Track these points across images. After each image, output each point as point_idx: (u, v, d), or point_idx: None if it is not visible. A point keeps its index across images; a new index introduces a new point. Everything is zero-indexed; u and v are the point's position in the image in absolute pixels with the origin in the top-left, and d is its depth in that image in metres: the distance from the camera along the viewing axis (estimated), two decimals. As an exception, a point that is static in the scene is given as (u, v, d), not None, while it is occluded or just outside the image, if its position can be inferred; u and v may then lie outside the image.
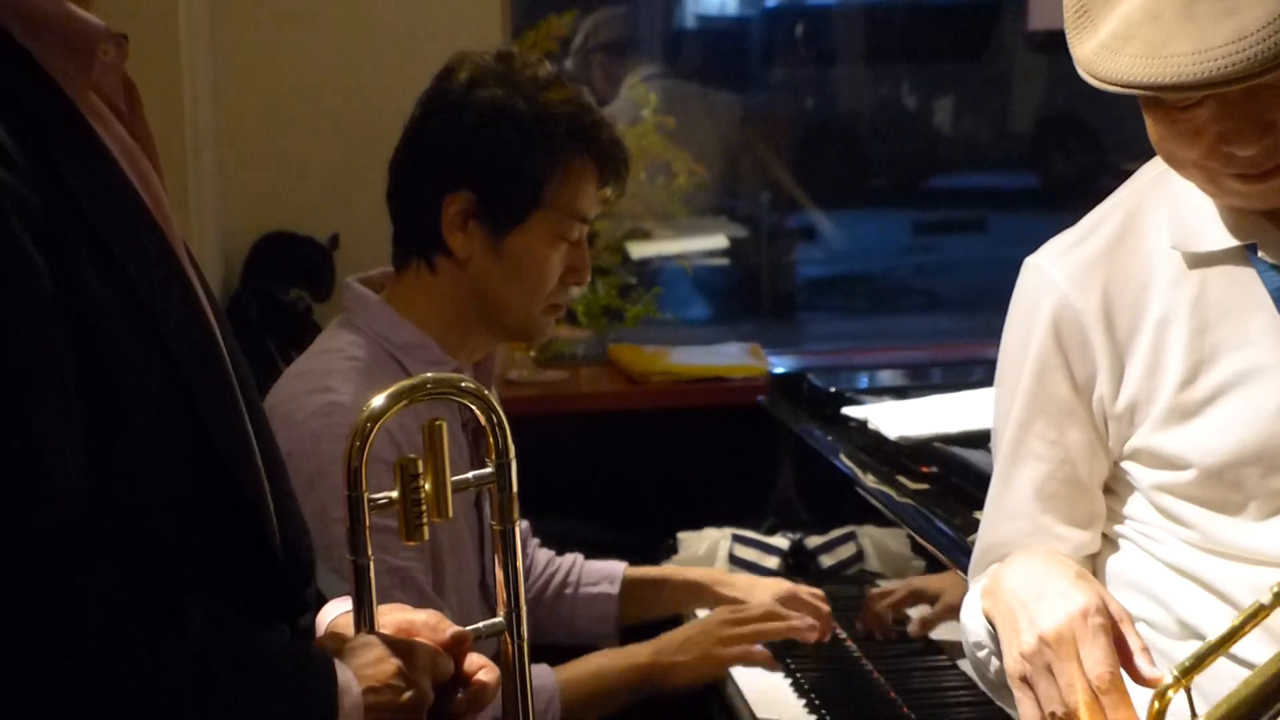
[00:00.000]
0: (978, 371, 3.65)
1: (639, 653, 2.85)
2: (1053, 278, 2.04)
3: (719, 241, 5.63)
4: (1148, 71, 1.75)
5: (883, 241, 13.71)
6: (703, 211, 5.47)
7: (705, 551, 3.45)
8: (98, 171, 1.63)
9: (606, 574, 3.05)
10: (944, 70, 14.85)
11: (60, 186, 1.55)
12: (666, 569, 3.31)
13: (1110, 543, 2.07)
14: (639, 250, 4.57)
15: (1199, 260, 1.96)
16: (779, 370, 4.06)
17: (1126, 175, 2.16)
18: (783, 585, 3.10)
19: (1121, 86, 1.80)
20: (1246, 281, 1.95)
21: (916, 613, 3.04)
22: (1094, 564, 2.09)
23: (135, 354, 1.59)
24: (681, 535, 3.50)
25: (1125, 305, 1.99)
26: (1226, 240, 1.95)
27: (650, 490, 3.50)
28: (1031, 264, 2.09)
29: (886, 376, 4.08)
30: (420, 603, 2.32)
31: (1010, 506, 2.05)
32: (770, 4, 16.74)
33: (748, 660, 2.82)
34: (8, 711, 1.50)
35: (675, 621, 3.13)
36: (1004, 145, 14.88)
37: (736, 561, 3.44)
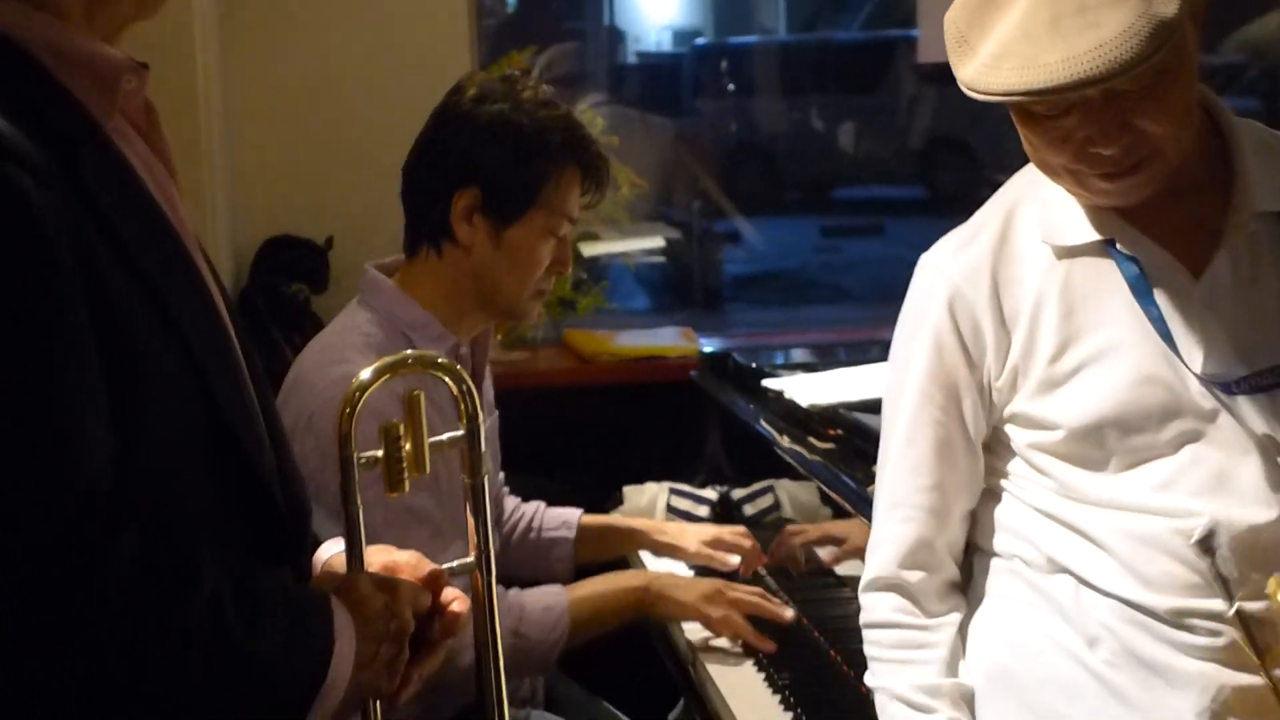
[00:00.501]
0: (874, 350, 3.69)
1: (637, 578, 2.89)
2: (948, 273, 2.07)
3: (657, 243, 5.62)
4: (1024, 80, 1.80)
5: (795, 243, 13.95)
6: (643, 217, 5.45)
7: (646, 502, 3.53)
8: (121, 184, 1.64)
9: (564, 520, 3.09)
10: (847, 99, 15.40)
11: (88, 198, 1.56)
12: (613, 517, 3.34)
13: (992, 494, 2.10)
14: (589, 249, 4.60)
15: (1066, 253, 2.01)
16: (708, 350, 4.11)
17: (1000, 186, 2.19)
18: (708, 530, 3.15)
19: (1001, 96, 1.85)
20: (1106, 271, 1.99)
21: (825, 552, 3.06)
22: (978, 513, 2.11)
23: (154, 343, 1.60)
24: (626, 489, 3.57)
25: (1008, 294, 2.02)
26: (1089, 235, 2.00)
27: (600, 451, 3.56)
28: (928, 262, 2.12)
29: (798, 355, 4.11)
30: (432, 534, 2.42)
31: (914, 464, 2.08)
32: (699, 43, 17.72)
33: (731, 629, 2.78)
34: (49, 656, 1.50)
35: (622, 564, 3.20)
36: (897, 162, 15.42)
37: (673, 510, 3.52)
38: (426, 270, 2.71)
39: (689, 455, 3.75)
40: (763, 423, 3.33)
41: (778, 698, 2.58)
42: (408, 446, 1.83)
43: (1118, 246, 1.98)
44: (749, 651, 2.77)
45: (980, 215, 2.13)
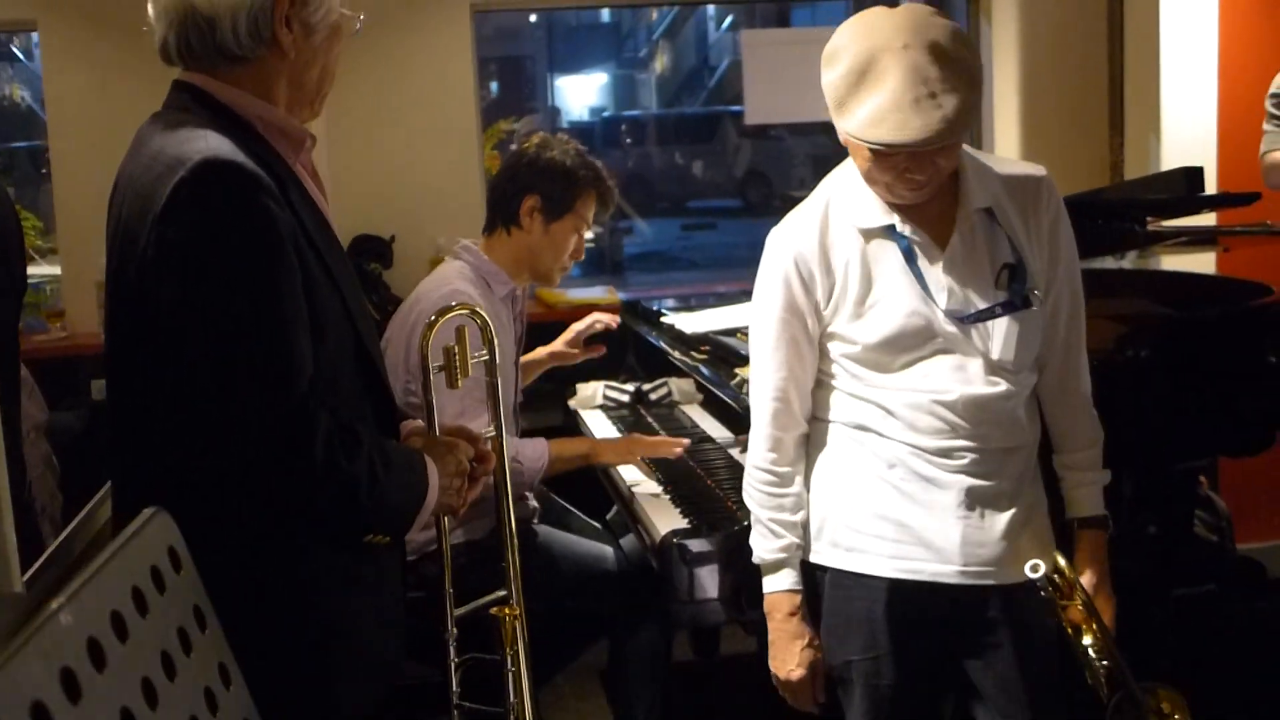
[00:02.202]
0: (711, 300, 3.97)
1: (584, 443, 3.10)
2: (793, 239, 2.07)
3: (589, 234, 5.99)
4: (898, 137, 1.82)
5: (665, 235, 15.16)
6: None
7: (590, 393, 3.69)
8: (307, 204, 1.73)
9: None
10: (695, 147, 17.14)
11: (295, 214, 1.65)
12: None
13: (822, 385, 2.14)
14: None
15: (865, 232, 2.03)
16: (625, 299, 4.34)
17: (791, 200, 2.23)
18: (627, 439, 3.25)
19: (878, 145, 1.85)
20: (889, 245, 2.02)
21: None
22: (815, 396, 2.13)
23: (329, 300, 1.69)
24: (578, 385, 3.74)
25: (831, 254, 2.04)
26: (880, 220, 2.02)
27: (561, 366, 3.50)
28: (778, 234, 2.10)
29: (673, 303, 4.16)
30: (462, 413, 2.49)
31: (778, 361, 2.09)
32: (606, 115, 19.05)
33: (654, 450, 2.99)
34: (286, 491, 1.61)
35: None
36: (726, 184, 16.78)
37: (606, 399, 3.67)
38: (499, 243, 2.92)
39: (615, 364, 3.88)
40: (662, 343, 3.47)
41: (678, 510, 2.72)
42: (457, 361, 2.00)
43: (896, 229, 2.00)
44: (659, 484, 2.89)
45: (808, 205, 2.11)
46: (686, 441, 3.00)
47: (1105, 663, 1.99)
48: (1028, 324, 2.02)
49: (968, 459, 2.02)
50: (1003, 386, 2.02)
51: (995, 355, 2.00)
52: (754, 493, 2.14)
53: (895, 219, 2.00)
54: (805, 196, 2.15)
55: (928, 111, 1.81)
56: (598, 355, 3.35)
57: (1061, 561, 2.02)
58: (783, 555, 2.12)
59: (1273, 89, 3.66)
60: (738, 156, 16.79)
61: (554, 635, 2.54)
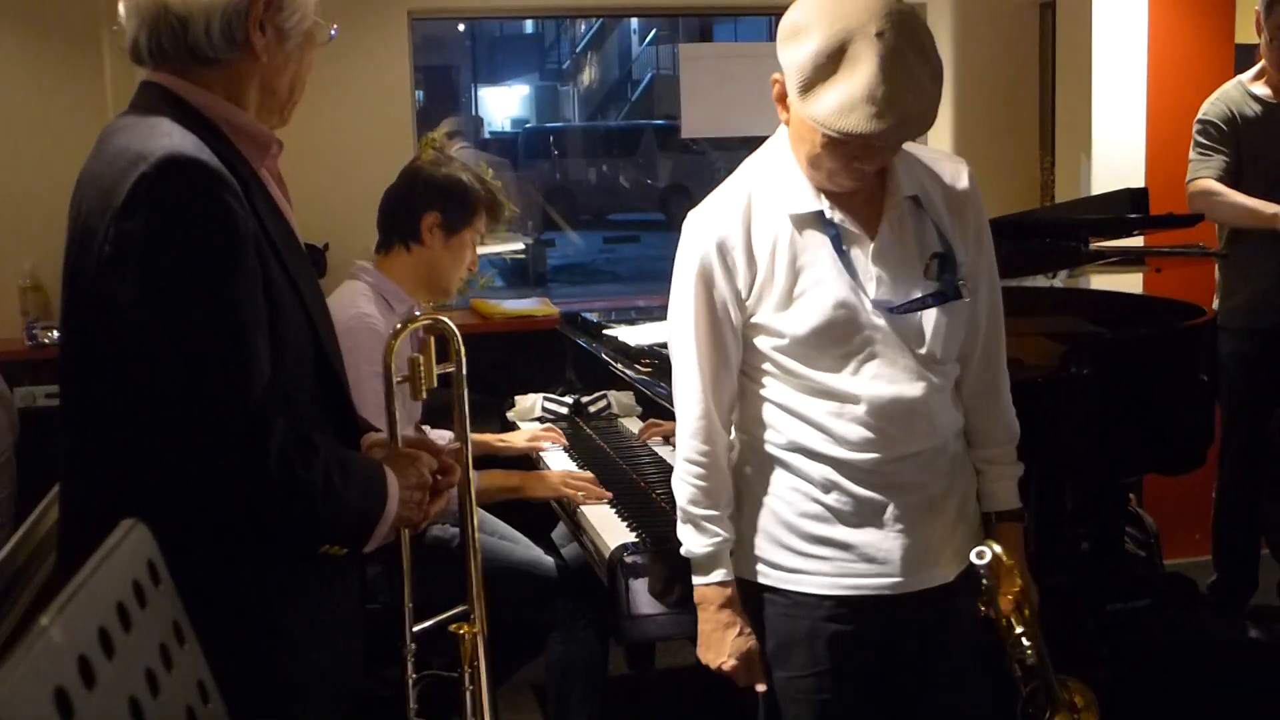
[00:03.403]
0: (633, 313, 4.00)
1: (513, 477, 3.07)
2: (713, 224, 2.00)
3: (519, 246, 5.98)
4: (871, 128, 1.77)
5: (589, 247, 15.20)
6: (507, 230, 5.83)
7: (529, 405, 3.66)
8: (271, 208, 1.70)
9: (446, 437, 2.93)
10: (617, 160, 17.11)
11: (257, 215, 1.62)
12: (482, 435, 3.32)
13: (747, 394, 2.07)
14: (481, 250, 4.92)
15: (795, 218, 1.97)
16: (564, 311, 4.28)
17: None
18: (528, 430, 3.36)
19: (846, 133, 1.79)
20: (818, 233, 1.97)
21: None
22: (740, 408, 2.08)
23: (290, 303, 1.67)
24: (516, 397, 3.72)
25: (754, 240, 1.97)
26: (810, 206, 1.96)
27: (498, 376, 3.66)
28: (696, 219, 2.04)
29: (596, 316, 4.09)
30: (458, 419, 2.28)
31: (705, 347, 2.02)
32: (528, 126, 19.04)
33: (573, 498, 2.93)
34: (238, 500, 1.57)
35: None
36: (649, 198, 16.82)
37: (545, 410, 3.64)
38: (397, 261, 2.91)
39: (554, 376, 3.88)
40: (604, 355, 3.45)
41: (624, 524, 2.72)
42: (423, 371, 1.99)
43: (825, 216, 1.96)
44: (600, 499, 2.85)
45: (728, 189, 2.04)
46: (609, 495, 2.98)
47: (1030, 651, 2.02)
48: (955, 315, 2.00)
49: (901, 467, 2.00)
50: (932, 381, 2.00)
51: (924, 348, 1.97)
52: (684, 487, 2.07)
53: (825, 205, 1.96)
54: None
55: (899, 105, 1.78)
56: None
57: (999, 549, 2.01)
58: (713, 550, 2.07)
59: (1200, 116, 3.75)
60: (658, 171, 16.90)
61: (492, 647, 2.49)
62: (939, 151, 2.11)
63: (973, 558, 1.95)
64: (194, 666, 1.04)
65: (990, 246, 2.08)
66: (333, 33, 1.80)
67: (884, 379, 1.97)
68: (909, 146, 2.02)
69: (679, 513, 2.07)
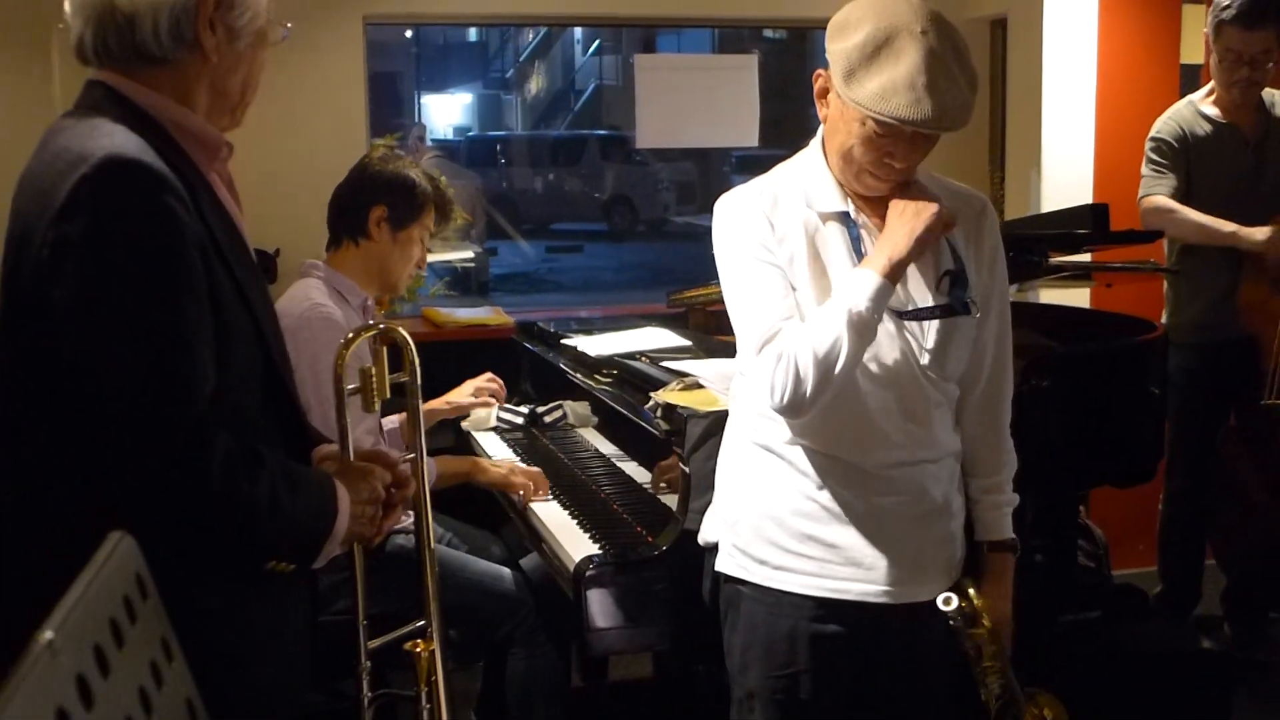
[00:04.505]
0: (573, 324, 3.89)
1: (465, 463, 3.07)
2: (751, 198, 2.03)
3: (468, 254, 5.93)
4: (910, 114, 1.81)
5: (530, 256, 15.22)
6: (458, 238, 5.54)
7: (484, 415, 3.61)
8: (219, 213, 1.65)
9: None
10: (565, 169, 17.25)
11: (204, 221, 1.57)
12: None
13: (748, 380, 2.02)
14: (431, 257, 4.86)
15: (821, 215, 2.00)
16: (520, 320, 4.23)
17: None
18: (473, 384, 3.37)
19: (888, 117, 1.83)
20: (839, 231, 1.99)
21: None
22: (740, 396, 2.10)
23: (238, 312, 1.63)
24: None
25: (780, 230, 2.00)
26: (836, 206, 1.99)
27: (452, 386, 3.48)
28: (733, 198, 2.06)
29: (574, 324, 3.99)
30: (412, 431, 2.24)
31: (781, 290, 1.98)
32: (471, 135, 19.17)
33: (523, 495, 2.98)
34: (178, 514, 1.53)
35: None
36: (592, 208, 16.87)
37: (501, 420, 3.62)
38: (347, 256, 2.93)
39: (510, 386, 3.73)
40: (563, 365, 3.43)
41: (587, 535, 2.69)
42: (375, 382, 1.93)
43: (850, 216, 1.99)
44: (563, 507, 2.89)
45: (756, 184, 2.07)
46: (549, 491, 3.03)
47: (1000, 679, 2.06)
48: (962, 333, 2.02)
49: (896, 473, 2.01)
50: (933, 395, 2.02)
51: (926, 359, 1.99)
52: (797, 343, 1.94)
53: (851, 206, 1.99)
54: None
55: (937, 96, 1.83)
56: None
57: (970, 591, 2.05)
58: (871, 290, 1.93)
59: (1152, 134, 3.80)
60: (601, 181, 16.94)
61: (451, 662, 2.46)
62: (962, 185, 2.15)
63: (939, 603, 1.97)
64: (183, 683, 1.01)
65: (1004, 279, 2.11)
66: (285, 32, 1.76)
67: (884, 383, 1.99)
68: (935, 175, 2.07)
69: (820, 358, 1.92)
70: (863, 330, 1.88)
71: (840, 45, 1.88)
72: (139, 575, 1.00)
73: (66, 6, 1.65)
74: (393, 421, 3.10)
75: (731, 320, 2.02)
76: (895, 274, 1.90)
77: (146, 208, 1.50)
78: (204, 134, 1.67)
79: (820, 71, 1.95)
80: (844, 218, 2.00)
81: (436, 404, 3.30)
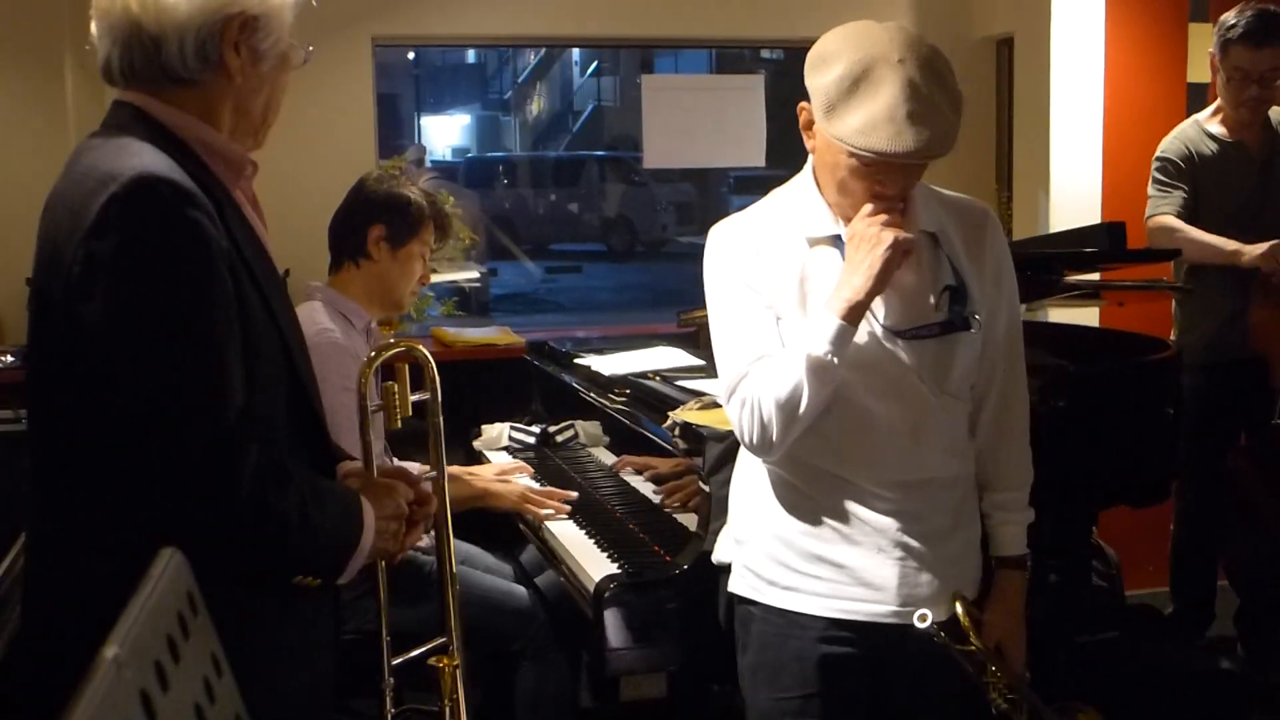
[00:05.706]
0: (569, 344, 3.89)
1: (480, 484, 3.05)
2: (735, 234, 2.05)
3: (474, 274, 5.57)
4: (891, 147, 1.82)
5: (532, 276, 15.21)
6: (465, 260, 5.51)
7: (496, 434, 3.64)
8: (245, 230, 1.67)
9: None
10: (560, 191, 17.52)
11: (231, 237, 1.59)
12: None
13: None
14: (436, 278, 4.61)
15: (812, 240, 2.00)
16: (531, 339, 4.22)
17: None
18: (495, 466, 3.33)
19: (870, 152, 1.83)
20: (832, 255, 1.99)
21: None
22: None
23: (265, 329, 1.64)
24: (483, 426, 3.71)
25: (771, 259, 2.01)
26: (828, 230, 1.99)
27: (463, 406, 3.45)
28: (719, 228, 2.07)
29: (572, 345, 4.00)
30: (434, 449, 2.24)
31: (758, 330, 2.00)
32: (469, 156, 19.15)
33: (535, 515, 2.98)
34: (209, 528, 1.53)
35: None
36: (590, 228, 16.88)
37: (512, 439, 3.62)
38: (349, 278, 2.94)
39: (521, 405, 3.84)
40: (576, 384, 3.42)
41: (605, 555, 2.69)
42: (397, 400, 1.96)
43: (843, 239, 1.98)
44: (579, 526, 2.88)
45: (751, 213, 2.09)
46: (570, 502, 3.01)
47: (1010, 697, 2.04)
48: (965, 348, 2.01)
49: (905, 493, 2.01)
50: (938, 412, 2.01)
51: (928, 376, 1.98)
52: (760, 387, 1.97)
53: (842, 230, 1.98)
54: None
55: (919, 126, 1.82)
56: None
57: (959, 609, 2.03)
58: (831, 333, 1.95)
59: (1159, 154, 3.81)
60: (600, 201, 16.90)
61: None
62: (963, 196, 2.14)
63: (915, 620, 1.96)
64: (231, 699, 1.01)
65: (1012, 290, 2.10)
66: (307, 55, 1.79)
67: (889, 402, 1.99)
68: (934, 188, 2.06)
69: (781, 403, 1.95)
70: (822, 375, 1.90)
71: (819, 81, 1.87)
72: (190, 592, 1.00)
73: (93, 28, 1.67)
74: (414, 468, 3.04)
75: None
76: (855, 315, 1.91)
77: (176, 224, 1.51)
78: (230, 153, 1.69)
79: (804, 104, 1.94)
80: (836, 241, 2.00)
81: (458, 472, 3.22)
